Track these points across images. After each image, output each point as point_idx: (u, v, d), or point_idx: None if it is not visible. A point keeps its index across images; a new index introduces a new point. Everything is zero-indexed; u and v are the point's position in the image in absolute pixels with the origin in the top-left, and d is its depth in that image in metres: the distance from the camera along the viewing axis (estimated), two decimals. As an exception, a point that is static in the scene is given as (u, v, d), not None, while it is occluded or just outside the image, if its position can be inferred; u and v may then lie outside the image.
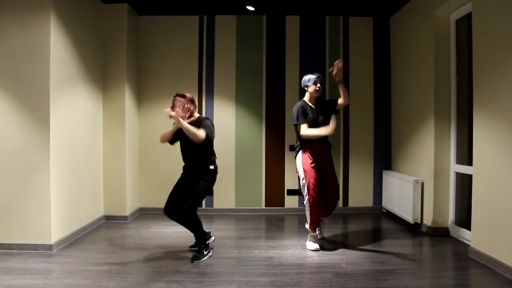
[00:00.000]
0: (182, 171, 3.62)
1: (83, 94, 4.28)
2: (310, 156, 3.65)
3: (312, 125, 3.66)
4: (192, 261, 3.34)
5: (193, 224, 3.42)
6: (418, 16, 4.52)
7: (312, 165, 3.63)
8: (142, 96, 5.30)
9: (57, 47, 3.68)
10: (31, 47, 3.53)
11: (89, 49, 4.39)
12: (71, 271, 3.09)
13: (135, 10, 5.10)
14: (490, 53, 3.24)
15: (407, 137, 4.85)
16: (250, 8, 5.02)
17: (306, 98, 3.79)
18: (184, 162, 3.59)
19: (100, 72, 4.70)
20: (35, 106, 3.54)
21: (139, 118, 5.30)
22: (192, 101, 3.51)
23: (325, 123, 3.67)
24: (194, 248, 3.63)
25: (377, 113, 5.37)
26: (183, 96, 3.48)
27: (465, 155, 4.01)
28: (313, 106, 3.75)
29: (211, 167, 3.50)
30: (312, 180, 3.59)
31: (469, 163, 3.77)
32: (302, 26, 5.35)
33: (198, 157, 3.48)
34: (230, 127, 5.31)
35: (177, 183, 3.56)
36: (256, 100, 5.32)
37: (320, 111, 3.75)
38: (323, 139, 3.71)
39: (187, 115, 3.39)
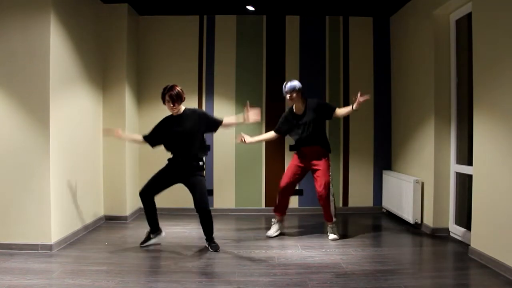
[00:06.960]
0: (169, 163, 3.71)
1: (83, 94, 4.28)
2: (296, 158, 4.09)
3: (294, 130, 4.03)
4: (216, 250, 3.58)
5: (211, 220, 3.62)
6: (418, 16, 4.52)
7: (294, 164, 4.07)
8: (142, 96, 5.30)
9: (57, 47, 3.67)
10: (31, 47, 3.53)
11: (89, 49, 4.39)
12: (71, 271, 3.09)
13: (135, 10, 5.09)
14: (490, 53, 3.23)
15: (407, 137, 4.84)
16: (250, 8, 5.02)
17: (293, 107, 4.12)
18: (175, 157, 3.68)
19: (100, 72, 4.70)
20: (35, 106, 3.54)
21: (139, 118, 5.29)
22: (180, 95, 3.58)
23: (308, 126, 3.95)
24: (144, 245, 3.76)
25: (377, 113, 5.36)
26: (177, 93, 3.54)
27: (465, 155, 4.01)
28: (298, 114, 4.02)
29: (201, 163, 3.67)
30: (285, 176, 4.10)
31: (469, 163, 3.77)
32: (302, 26, 5.35)
33: (193, 153, 3.61)
34: (230, 127, 5.30)
35: (162, 173, 3.68)
36: (256, 100, 5.31)
37: (307, 116, 3.97)
38: (314, 143, 3.98)
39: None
